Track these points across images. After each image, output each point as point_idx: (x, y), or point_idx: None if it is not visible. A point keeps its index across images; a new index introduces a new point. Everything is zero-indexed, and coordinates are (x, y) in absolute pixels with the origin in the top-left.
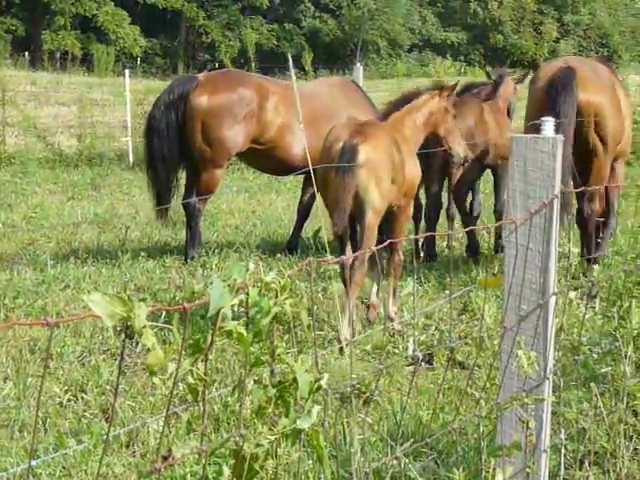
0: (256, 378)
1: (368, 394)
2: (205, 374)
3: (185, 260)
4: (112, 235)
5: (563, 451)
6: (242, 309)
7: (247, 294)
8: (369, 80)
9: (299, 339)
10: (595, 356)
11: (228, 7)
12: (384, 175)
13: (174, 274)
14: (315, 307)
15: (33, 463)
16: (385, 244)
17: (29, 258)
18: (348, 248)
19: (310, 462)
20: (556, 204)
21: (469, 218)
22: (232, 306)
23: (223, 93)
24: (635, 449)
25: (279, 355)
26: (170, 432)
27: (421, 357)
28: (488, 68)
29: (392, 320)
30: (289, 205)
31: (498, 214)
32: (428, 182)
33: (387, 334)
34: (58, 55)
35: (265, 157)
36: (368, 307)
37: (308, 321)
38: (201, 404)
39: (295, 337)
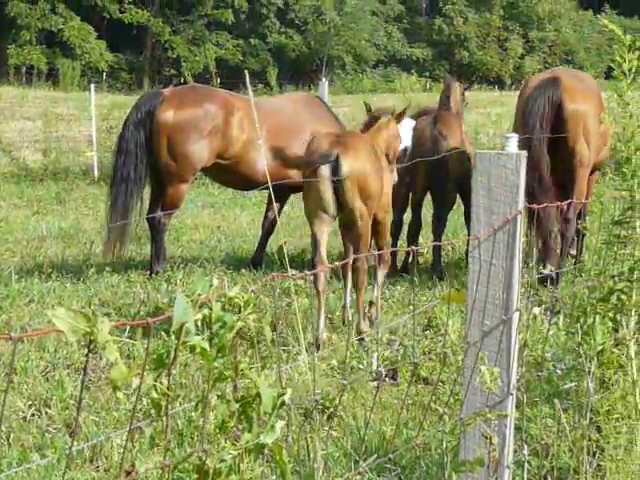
0: (219, 393)
1: (332, 409)
2: (168, 389)
3: (150, 275)
4: (77, 250)
5: (526, 467)
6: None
7: (210, 309)
8: (334, 95)
9: (263, 354)
10: (559, 372)
11: (194, 22)
12: (369, 180)
13: (139, 289)
14: (280, 322)
15: None
16: (373, 252)
17: None
18: (322, 250)
19: (273, 477)
20: (520, 220)
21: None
22: (195, 321)
23: (189, 108)
24: (598, 465)
25: (242, 370)
26: (134, 447)
27: (384, 373)
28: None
29: (372, 322)
30: (254, 220)
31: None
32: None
33: (351, 349)
34: (24, 70)
35: (230, 172)
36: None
37: (272, 336)
38: (164, 419)
39: (259, 352)
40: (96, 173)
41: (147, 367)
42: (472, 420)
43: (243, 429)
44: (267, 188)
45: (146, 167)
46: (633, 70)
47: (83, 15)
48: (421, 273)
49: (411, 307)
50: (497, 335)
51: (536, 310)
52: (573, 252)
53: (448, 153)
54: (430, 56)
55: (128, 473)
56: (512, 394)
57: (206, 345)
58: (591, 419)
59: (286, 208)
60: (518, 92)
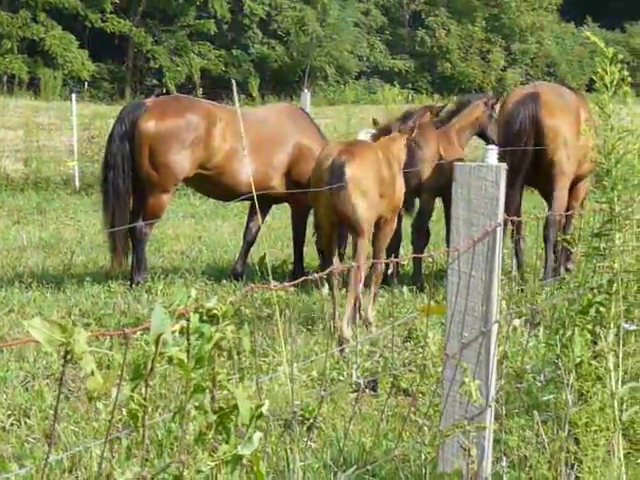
0: (197, 404)
1: (311, 420)
2: (145, 399)
3: (130, 285)
4: (57, 260)
5: (505, 479)
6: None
7: (188, 320)
8: (316, 107)
9: (242, 365)
10: (539, 384)
11: (176, 33)
12: (370, 190)
13: (119, 299)
14: (261, 333)
15: None
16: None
17: None
18: (335, 258)
19: None
20: (499, 232)
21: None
22: (173, 332)
23: (170, 118)
24: (577, 477)
25: (220, 381)
26: (113, 457)
27: (363, 384)
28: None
29: (370, 324)
30: (235, 231)
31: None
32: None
33: (331, 360)
34: (5, 79)
35: (212, 183)
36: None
37: (250, 347)
38: (141, 430)
39: (239, 363)
40: (77, 183)
41: (125, 377)
42: (451, 432)
43: (221, 440)
44: (249, 199)
45: (132, 178)
46: (614, 83)
47: (65, 24)
48: (402, 285)
49: (391, 319)
50: (476, 347)
51: (516, 322)
52: (570, 266)
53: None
54: (412, 68)
55: None
56: (491, 406)
57: (183, 356)
58: (569, 431)
59: (268, 219)
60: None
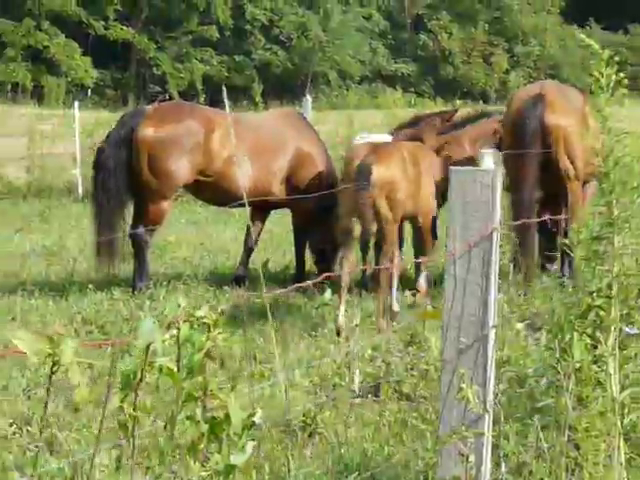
0: (189, 414)
1: (313, 426)
2: (135, 409)
3: (133, 292)
4: (60, 267)
5: None
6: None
7: (179, 329)
8: (319, 111)
9: (233, 374)
10: (542, 389)
11: (179, 39)
12: (395, 191)
13: (121, 306)
14: (260, 339)
15: None
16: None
17: None
18: (351, 257)
19: None
20: (496, 236)
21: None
22: (164, 341)
23: (170, 125)
24: None
25: (212, 391)
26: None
27: (358, 391)
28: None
29: (395, 315)
30: (237, 237)
31: None
32: None
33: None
34: (9, 87)
35: (211, 189)
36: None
37: (252, 353)
38: (131, 440)
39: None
40: (80, 191)
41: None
42: (448, 438)
43: (213, 450)
44: (246, 204)
45: (127, 184)
46: (611, 85)
47: (68, 32)
48: (404, 288)
49: (394, 323)
50: (473, 352)
51: (519, 325)
52: (551, 267)
53: None
54: (415, 72)
55: None
56: (488, 412)
57: (173, 366)
58: (569, 436)
59: (270, 225)
60: (502, 107)
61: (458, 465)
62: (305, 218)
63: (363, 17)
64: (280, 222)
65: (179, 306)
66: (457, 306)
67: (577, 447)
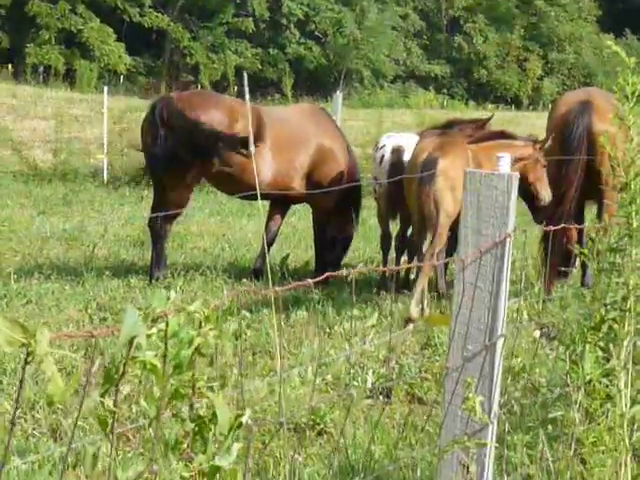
0: (174, 412)
1: (322, 425)
2: (115, 405)
3: (150, 281)
4: (79, 252)
5: None
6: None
7: (166, 323)
8: (350, 109)
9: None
10: (551, 399)
11: (214, 29)
12: (458, 184)
13: (137, 294)
14: (277, 335)
15: None
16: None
17: None
18: (424, 246)
19: None
20: (509, 243)
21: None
22: (149, 336)
23: (194, 112)
24: None
25: (199, 389)
26: (118, 455)
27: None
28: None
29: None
30: (259, 230)
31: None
32: None
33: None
34: (41, 69)
35: (233, 181)
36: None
37: (231, 352)
38: (110, 436)
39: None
40: (105, 176)
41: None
42: (449, 447)
43: (198, 450)
44: (267, 197)
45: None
46: (636, 94)
47: (103, 17)
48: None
49: (411, 326)
50: (479, 361)
51: (536, 333)
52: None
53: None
54: (448, 73)
55: None
56: (493, 422)
57: (157, 361)
58: (575, 450)
59: (293, 219)
60: (535, 113)
61: (458, 475)
62: (325, 214)
63: (399, 16)
64: (304, 216)
65: (168, 299)
66: (465, 312)
67: (583, 461)
